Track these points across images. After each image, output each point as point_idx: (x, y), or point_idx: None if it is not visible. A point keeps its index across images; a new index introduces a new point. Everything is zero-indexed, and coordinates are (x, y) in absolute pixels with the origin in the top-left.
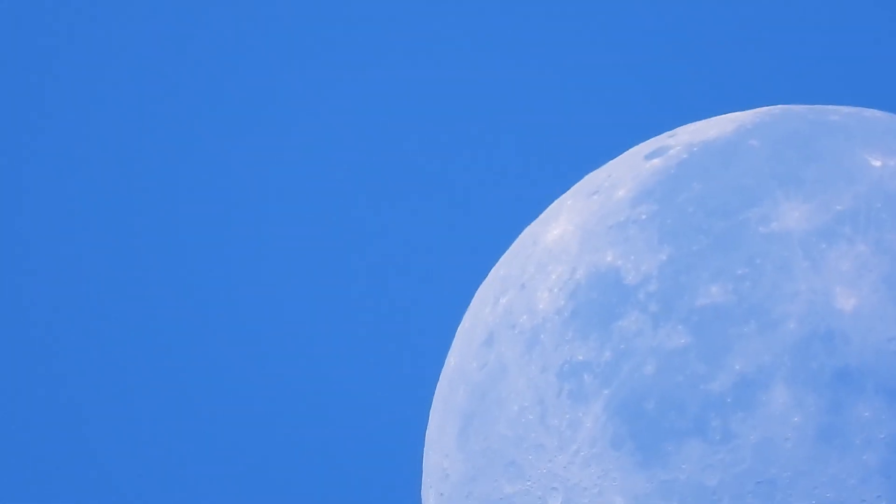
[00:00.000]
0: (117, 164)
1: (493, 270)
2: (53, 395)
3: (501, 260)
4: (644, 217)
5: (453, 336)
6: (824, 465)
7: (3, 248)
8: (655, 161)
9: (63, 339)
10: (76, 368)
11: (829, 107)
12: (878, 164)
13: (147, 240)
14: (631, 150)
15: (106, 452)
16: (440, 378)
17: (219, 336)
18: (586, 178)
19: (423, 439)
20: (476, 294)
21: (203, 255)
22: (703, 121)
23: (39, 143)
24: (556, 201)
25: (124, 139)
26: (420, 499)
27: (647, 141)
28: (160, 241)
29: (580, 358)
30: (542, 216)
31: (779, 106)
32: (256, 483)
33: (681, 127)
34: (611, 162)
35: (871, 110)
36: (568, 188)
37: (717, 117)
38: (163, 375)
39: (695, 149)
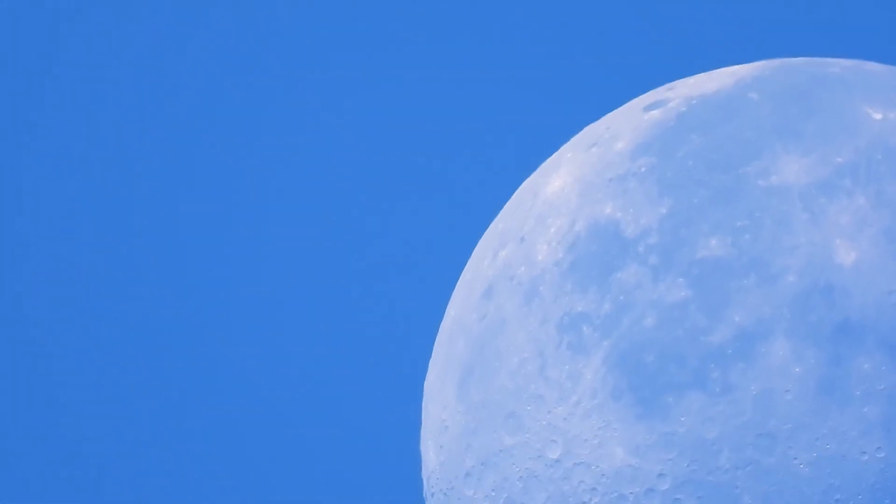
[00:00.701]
0: (114, 164)
1: (492, 224)
2: (53, 395)
3: (501, 213)
4: (643, 170)
5: (452, 289)
6: (824, 418)
7: (2, 248)
8: (654, 113)
9: (62, 340)
10: (75, 368)
11: (829, 60)
12: (878, 117)
13: (141, 237)
14: (630, 103)
15: (103, 453)
16: (439, 330)
17: (205, 296)
18: (585, 130)
19: (422, 392)
20: (476, 247)
21: (180, 238)
22: (703, 74)
23: (38, 143)
24: (555, 154)
25: (122, 139)
26: (419, 451)
27: (647, 93)
28: (156, 240)
29: (579, 310)
30: (540, 169)
31: (778, 59)
32: (259, 433)
33: (680, 80)
34: (610, 114)
35: (872, 63)
36: (567, 140)
37: (717, 70)
38: (152, 366)
39: (694, 102)
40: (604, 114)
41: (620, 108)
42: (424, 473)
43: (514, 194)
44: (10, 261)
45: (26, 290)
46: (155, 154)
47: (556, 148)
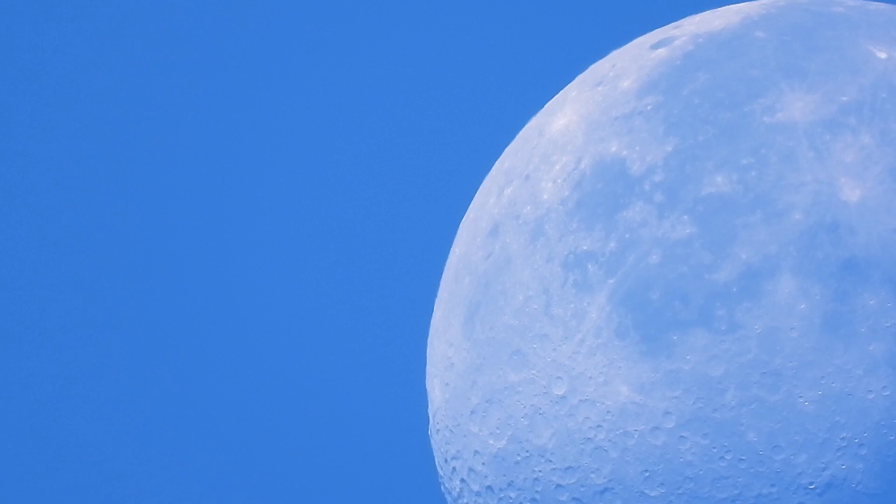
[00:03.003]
0: (106, 163)
1: (497, 162)
2: (52, 396)
3: (506, 151)
4: (649, 108)
5: (457, 227)
6: (830, 356)
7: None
8: (661, 52)
9: (61, 340)
10: (75, 368)
11: None
12: (883, 55)
13: (132, 233)
14: (636, 41)
15: (101, 454)
16: (445, 268)
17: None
18: (591, 68)
19: (428, 329)
20: (481, 185)
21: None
22: (709, 11)
23: (37, 144)
24: (560, 92)
25: (112, 137)
26: (425, 388)
27: (653, 32)
28: (145, 235)
29: (585, 248)
30: (546, 107)
31: None
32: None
33: (686, 18)
34: (615, 52)
35: (876, 2)
36: (572, 79)
37: (723, 8)
38: (134, 355)
39: (700, 40)
40: (609, 52)
41: (626, 47)
42: (430, 410)
43: (520, 133)
44: (8, 261)
45: (24, 290)
46: (140, 150)
47: (561, 86)
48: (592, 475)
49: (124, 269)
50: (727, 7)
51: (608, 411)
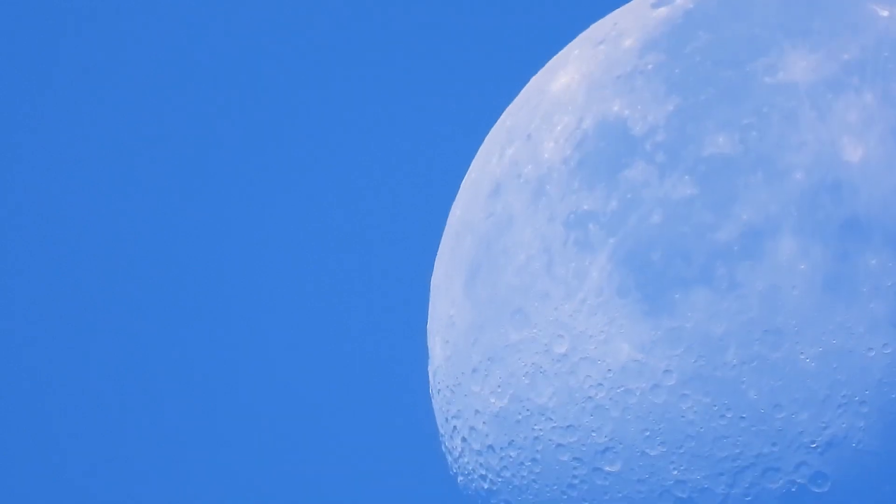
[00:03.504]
0: (106, 163)
1: (499, 121)
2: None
3: (507, 110)
4: (651, 67)
5: (458, 187)
6: (831, 314)
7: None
8: (662, 10)
9: (61, 339)
10: (72, 369)
11: None
12: (885, 14)
13: (123, 234)
14: (637, 0)
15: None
16: (446, 228)
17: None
18: (592, 27)
19: (429, 288)
20: (482, 145)
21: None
22: None
23: (35, 145)
24: (561, 51)
25: (109, 136)
26: (426, 346)
27: None
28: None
29: (586, 207)
30: (547, 66)
31: None
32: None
33: None
34: (617, 11)
35: None
36: (574, 38)
37: None
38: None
39: None
40: (611, 11)
41: (628, 5)
42: (431, 369)
43: (521, 92)
44: (7, 261)
45: (23, 290)
46: (130, 148)
47: (563, 45)
48: (593, 434)
49: (118, 268)
50: None
51: (609, 370)
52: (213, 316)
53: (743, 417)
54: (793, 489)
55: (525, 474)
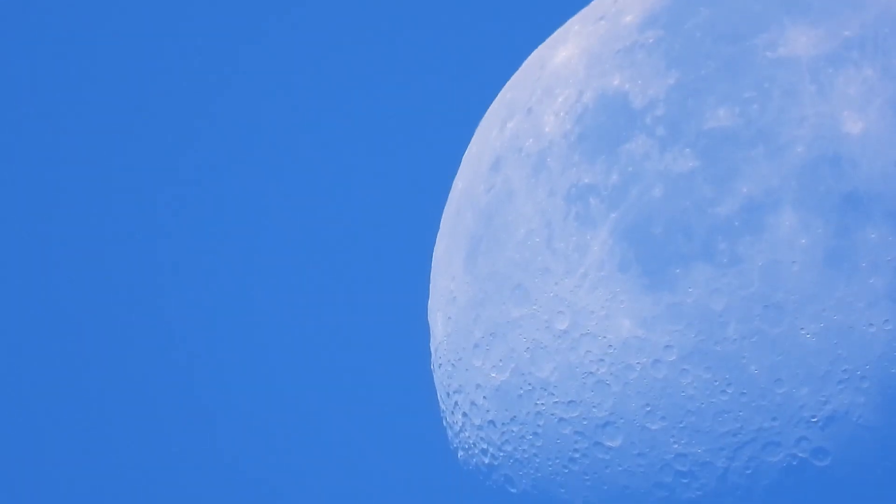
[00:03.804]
0: (93, 160)
1: (499, 95)
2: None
3: (508, 84)
4: (651, 41)
5: (460, 160)
6: (832, 289)
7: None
8: None
9: (59, 339)
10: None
11: None
12: None
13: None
14: None
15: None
16: (447, 202)
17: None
18: (593, 2)
19: (430, 264)
20: (483, 118)
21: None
22: None
23: (34, 145)
24: (563, 26)
25: (99, 135)
26: (427, 322)
27: None
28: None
29: (587, 181)
30: (548, 40)
31: None
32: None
33: None
34: None
35: None
36: (575, 13)
37: None
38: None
39: None
40: None
41: None
42: (432, 344)
43: (522, 66)
44: (5, 260)
45: (20, 290)
46: (118, 146)
47: (563, 20)
48: (594, 409)
49: (109, 268)
50: None
51: (610, 345)
52: (212, 287)
53: (743, 392)
54: (793, 463)
55: (526, 448)
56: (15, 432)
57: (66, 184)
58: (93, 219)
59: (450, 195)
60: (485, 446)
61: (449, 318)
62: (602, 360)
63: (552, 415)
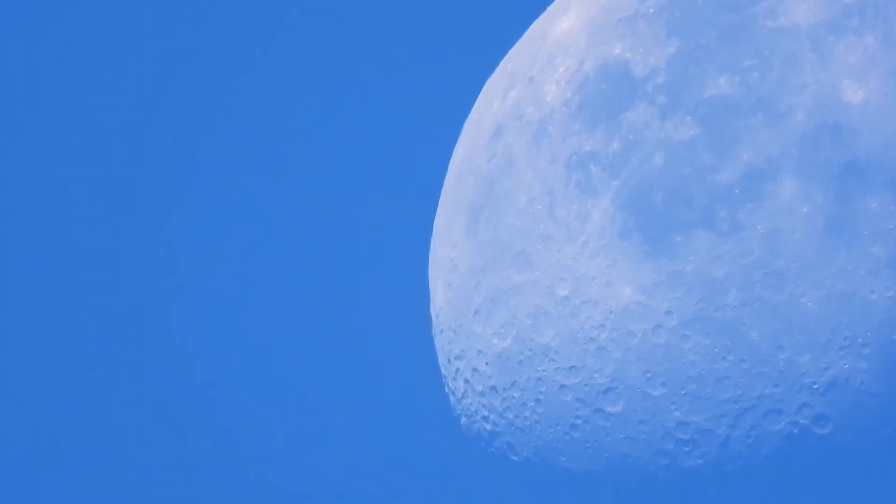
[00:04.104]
0: (95, 162)
1: (501, 64)
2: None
3: (509, 53)
4: (652, 10)
5: (461, 129)
6: (832, 257)
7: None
8: None
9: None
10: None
11: None
12: None
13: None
14: None
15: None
16: (448, 170)
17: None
18: None
19: (431, 231)
20: (484, 87)
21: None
22: None
23: (34, 145)
24: None
25: (91, 135)
26: (428, 289)
27: None
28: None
29: (588, 149)
30: (549, 9)
31: None
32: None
33: None
34: None
35: None
36: None
37: None
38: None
39: None
40: None
41: None
42: (433, 311)
43: (523, 35)
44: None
45: (16, 291)
46: (108, 145)
47: None
48: (595, 375)
49: (108, 267)
50: None
51: (611, 311)
52: (212, 265)
53: (744, 359)
54: (794, 430)
55: (528, 415)
56: (15, 431)
57: (65, 183)
58: (90, 218)
59: (450, 163)
60: (486, 413)
61: (450, 284)
62: (603, 325)
63: (553, 381)
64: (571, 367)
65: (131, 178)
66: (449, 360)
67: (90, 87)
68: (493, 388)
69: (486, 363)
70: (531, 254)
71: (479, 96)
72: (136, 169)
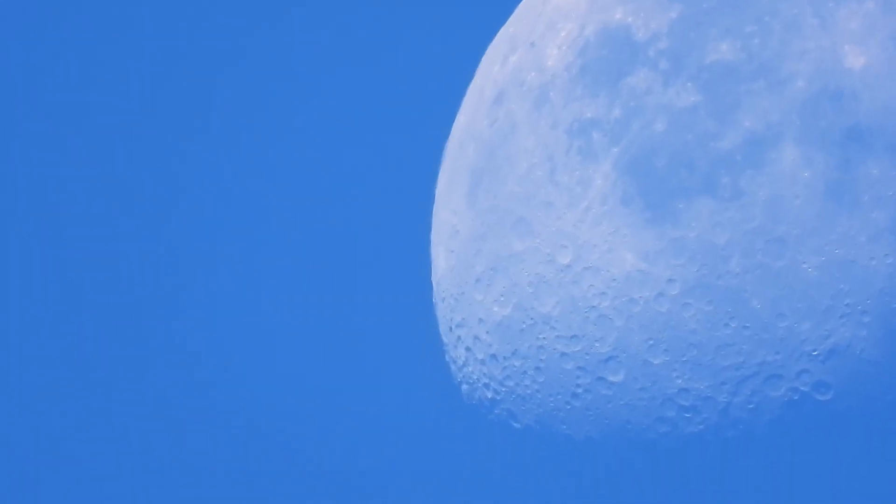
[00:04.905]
0: (91, 161)
1: (502, 29)
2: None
3: (511, 18)
4: None
5: (463, 95)
6: (833, 223)
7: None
8: None
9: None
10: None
11: None
12: None
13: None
14: None
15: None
16: (450, 136)
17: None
18: None
19: (433, 197)
20: (486, 53)
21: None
22: None
23: (33, 145)
24: None
25: (85, 135)
26: (430, 255)
27: None
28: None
29: (589, 115)
30: None
31: None
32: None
33: None
34: None
35: None
36: None
37: None
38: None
39: None
40: None
41: None
42: (434, 278)
43: (524, 0)
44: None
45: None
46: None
47: None
48: (597, 343)
49: (106, 266)
50: None
51: (613, 279)
52: (210, 245)
53: (746, 326)
54: (795, 397)
55: (529, 383)
56: (15, 431)
57: (66, 183)
58: (90, 217)
59: (452, 129)
60: (487, 381)
61: (451, 251)
62: (605, 293)
63: (554, 349)
64: (573, 336)
65: (126, 177)
66: (450, 329)
67: (91, 86)
68: (493, 356)
69: (487, 332)
70: (532, 221)
71: (482, 61)
72: (129, 167)
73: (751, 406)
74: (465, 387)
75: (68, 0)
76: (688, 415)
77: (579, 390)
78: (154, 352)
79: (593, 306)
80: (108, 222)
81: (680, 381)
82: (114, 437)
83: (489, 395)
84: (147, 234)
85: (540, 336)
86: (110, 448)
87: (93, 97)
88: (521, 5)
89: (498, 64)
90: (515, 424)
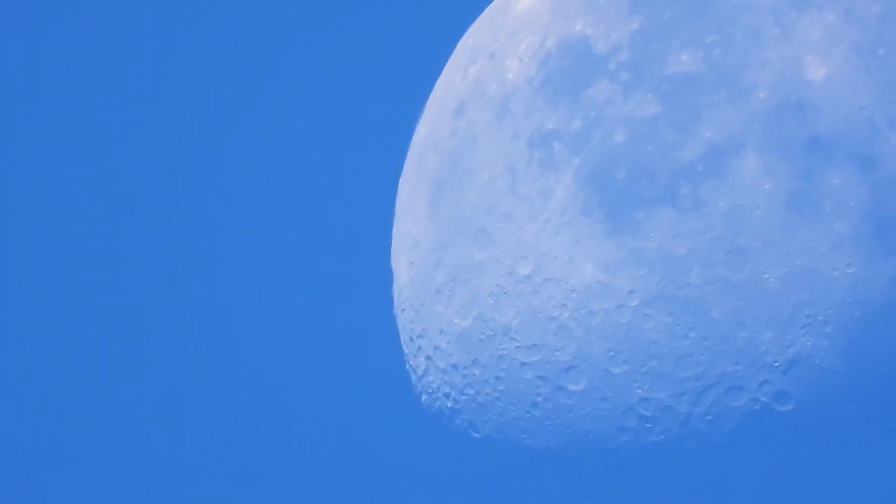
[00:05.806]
0: (90, 161)
1: (462, 40)
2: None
3: (471, 29)
4: None
5: (424, 105)
6: (795, 233)
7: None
8: None
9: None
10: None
11: None
12: None
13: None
14: None
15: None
16: (410, 147)
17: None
18: None
19: (394, 208)
20: (447, 63)
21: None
22: None
23: (33, 144)
24: None
25: (80, 135)
26: (391, 267)
27: None
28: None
29: (550, 126)
30: None
31: None
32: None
33: None
34: None
35: None
36: None
37: None
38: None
39: None
40: None
41: None
42: (395, 289)
43: (485, 11)
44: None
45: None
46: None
47: None
48: (557, 353)
49: (103, 265)
50: None
51: (573, 290)
52: (191, 239)
53: (706, 337)
54: (756, 408)
55: (489, 392)
56: (15, 429)
57: (66, 183)
58: (88, 217)
59: (413, 139)
60: (448, 390)
61: (412, 262)
62: (565, 304)
63: (514, 359)
64: (532, 346)
65: (120, 176)
66: (411, 339)
67: (90, 86)
68: (454, 365)
69: (448, 342)
70: (493, 231)
71: (442, 72)
72: (121, 166)
73: (711, 416)
74: (424, 397)
75: (68, 0)
76: (648, 425)
77: (539, 399)
78: (135, 357)
79: (553, 317)
80: (105, 221)
81: (640, 392)
82: (114, 437)
83: (449, 404)
84: (130, 236)
85: (500, 346)
86: (110, 448)
87: (92, 97)
88: (481, 16)
89: (459, 74)
90: (475, 434)
